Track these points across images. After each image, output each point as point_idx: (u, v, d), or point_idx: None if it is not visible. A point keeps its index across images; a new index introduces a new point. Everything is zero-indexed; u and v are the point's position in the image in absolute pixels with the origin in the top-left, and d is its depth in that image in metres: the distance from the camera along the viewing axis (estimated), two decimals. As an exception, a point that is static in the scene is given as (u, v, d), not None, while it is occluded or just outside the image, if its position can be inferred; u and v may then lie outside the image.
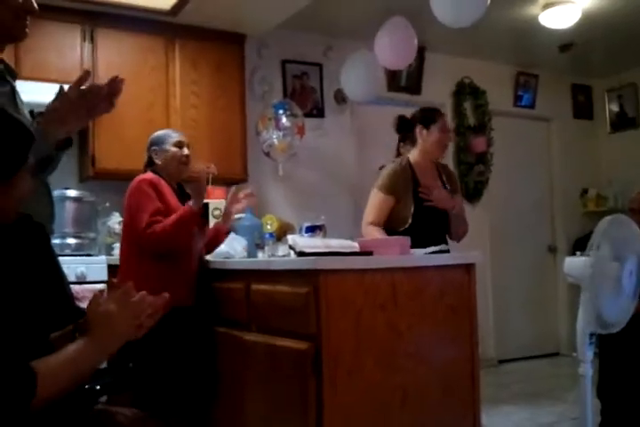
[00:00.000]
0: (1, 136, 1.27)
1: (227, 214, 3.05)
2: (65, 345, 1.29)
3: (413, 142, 3.23)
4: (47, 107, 1.82)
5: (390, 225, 3.09)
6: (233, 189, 3.12)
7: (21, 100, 2.02)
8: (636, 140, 6.05)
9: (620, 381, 3.30)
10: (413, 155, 3.20)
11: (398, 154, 3.88)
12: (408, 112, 5.18)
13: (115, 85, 1.89)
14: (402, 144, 3.83)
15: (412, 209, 3.05)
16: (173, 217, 2.63)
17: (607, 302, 2.37)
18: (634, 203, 3.69)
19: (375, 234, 3.02)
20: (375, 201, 3.13)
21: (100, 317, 1.28)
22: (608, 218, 2.41)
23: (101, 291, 1.36)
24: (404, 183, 3.09)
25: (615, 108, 6.28)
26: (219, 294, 2.78)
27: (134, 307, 1.31)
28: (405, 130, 3.28)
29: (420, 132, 3.16)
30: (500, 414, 3.54)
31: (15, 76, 2.04)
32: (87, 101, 1.82)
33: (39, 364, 1.20)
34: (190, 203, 2.68)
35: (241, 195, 3.06)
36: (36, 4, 1.97)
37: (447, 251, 3.03)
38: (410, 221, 3.04)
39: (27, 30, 1.96)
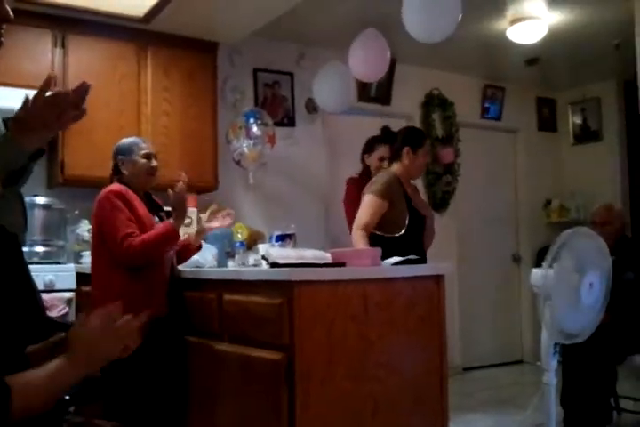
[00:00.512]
0: None
1: (201, 232, 3.01)
2: (43, 361, 1.29)
3: (397, 157, 3.43)
4: (14, 116, 1.80)
5: (385, 230, 3.28)
6: (213, 207, 3.08)
7: None
8: (598, 152, 6.21)
9: (583, 389, 3.38)
10: (398, 170, 3.40)
11: (363, 164, 3.96)
12: (378, 123, 5.30)
13: (82, 91, 1.87)
14: (366, 155, 3.92)
15: (408, 219, 3.28)
16: (154, 233, 2.63)
17: (565, 313, 2.43)
18: (595, 216, 3.80)
19: (360, 243, 3.20)
20: (369, 205, 3.29)
21: (83, 339, 1.28)
22: (569, 231, 2.48)
23: (86, 313, 1.35)
24: (397, 192, 3.31)
25: (578, 120, 6.43)
26: (191, 304, 2.78)
27: (118, 330, 1.31)
28: (388, 142, 3.48)
29: (407, 153, 3.38)
30: (465, 421, 3.60)
31: None
32: (54, 108, 1.79)
33: (15, 379, 1.19)
34: (171, 220, 2.68)
35: (221, 214, 3.04)
36: (11, 13, 1.95)
37: (418, 260, 3.09)
38: (404, 229, 3.26)
39: (1, 39, 1.94)
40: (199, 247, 3.00)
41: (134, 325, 1.34)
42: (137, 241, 2.58)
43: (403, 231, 3.26)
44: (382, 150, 3.90)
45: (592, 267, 2.43)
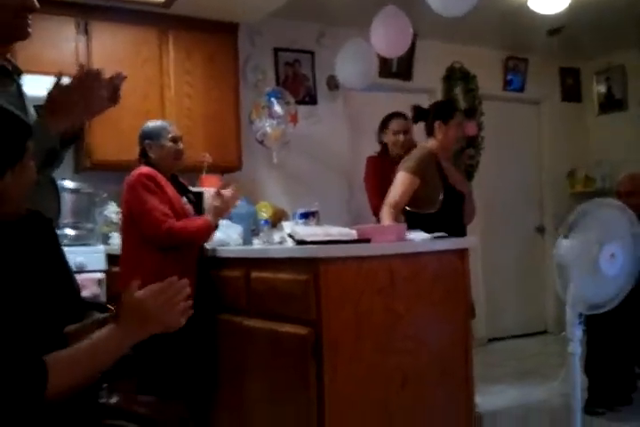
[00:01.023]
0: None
1: (222, 213, 2.88)
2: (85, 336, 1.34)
3: (430, 133, 3.41)
4: (46, 97, 1.83)
5: (419, 207, 3.28)
6: (219, 188, 2.93)
7: (27, 97, 2.05)
8: (623, 121, 6.13)
9: (608, 358, 3.41)
10: (433, 146, 3.38)
11: (380, 141, 3.97)
12: (399, 98, 5.30)
13: (117, 80, 1.92)
14: (382, 134, 3.93)
15: (442, 195, 3.25)
16: (195, 224, 2.72)
17: (585, 283, 2.43)
18: (620, 186, 3.78)
19: (386, 220, 3.22)
20: (400, 182, 3.28)
21: (137, 304, 1.30)
22: (588, 202, 2.49)
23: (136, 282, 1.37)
24: (431, 168, 3.28)
25: (603, 90, 6.34)
26: (219, 282, 2.85)
27: (171, 294, 1.33)
28: (421, 119, 3.45)
29: (438, 127, 3.35)
30: (491, 392, 3.65)
31: (20, 74, 2.07)
32: (86, 89, 1.83)
33: (54, 356, 1.22)
34: (209, 217, 2.78)
35: (229, 192, 2.93)
36: (36, 2, 2.00)
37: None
38: (439, 205, 3.24)
39: (29, 29, 1.99)
40: (216, 227, 2.94)
41: (186, 293, 1.36)
42: (178, 225, 2.66)
43: (437, 208, 3.25)
44: (395, 124, 3.90)
45: (613, 237, 2.42)
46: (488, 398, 3.48)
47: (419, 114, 3.50)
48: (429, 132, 3.42)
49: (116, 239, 3.71)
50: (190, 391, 2.76)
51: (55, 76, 1.79)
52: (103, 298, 3.43)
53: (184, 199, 2.91)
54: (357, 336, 2.23)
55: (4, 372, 1.16)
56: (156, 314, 1.32)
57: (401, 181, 3.28)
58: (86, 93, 1.82)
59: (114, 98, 1.93)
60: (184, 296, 1.36)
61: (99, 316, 1.57)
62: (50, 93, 1.81)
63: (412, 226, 3.22)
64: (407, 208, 3.32)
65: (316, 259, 2.19)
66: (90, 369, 1.27)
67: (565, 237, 2.45)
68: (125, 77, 1.87)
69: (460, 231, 3.27)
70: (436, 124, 3.36)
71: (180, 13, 4.10)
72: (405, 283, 2.36)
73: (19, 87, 2.01)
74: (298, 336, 2.23)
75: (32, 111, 2.05)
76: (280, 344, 2.36)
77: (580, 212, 2.46)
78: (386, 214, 3.25)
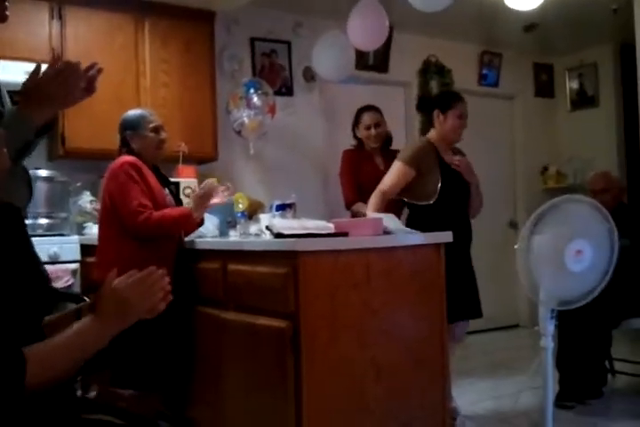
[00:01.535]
0: None
1: (203, 207, 2.87)
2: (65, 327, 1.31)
3: (431, 124, 3.41)
4: (21, 88, 1.80)
5: (416, 198, 3.28)
6: (210, 181, 2.94)
7: (1, 84, 2.01)
8: (594, 118, 6.22)
9: (579, 352, 3.47)
10: (432, 136, 3.37)
11: (354, 135, 3.97)
12: (375, 91, 5.29)
13: (92, 70, 1.89)
14: (356, 128, 3.93)
15: (439, 184, 3.22)
16: (173, 213, 2.70)
17: (551, 278, 2.47)
18: (592, 184, 3.83)
19: (372, 207, 3.26)
20: (394, 172, 3.29)
21: (114, 295, 1.29)
22: (556, 198, 2.51)
23: (112, 276, 1.36)
24: (428, 159, 3.27)
25: (575, 86, 6.42)
26: (196, 274, 2.84)
27: (151, 285, 1.32)
28: (424, 109, 3.43)
29: (437, 116, 3.34)
30: (464, 385, 3.69)
31: None
32: (63, 81, 1.80)
33: (34, 348, 1.20)
34: (190, 206, 2.77)
35: (222, 188, 2.97)
36: None
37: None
38: (436, 196, 3.22)
39: (7, 13, 1.94)
40: (202, 222, 2.98)
41: (165, 281, 1.35)
42: (155, 216, 2.63)
43: (434, 199, 3.23)
44: (366, 118, 3.89)
45: (580, 234, 2.43)
46: (460, 391, 3.52)
47: (421, 104, 3.48)
48: (431, 123, 3.42)
49: (90, 229, 3.67)
50: (167, 384, 2.74)
51: (35, 66, 1.75)
52: (77, 289, 3.40)
53: (166, 191, 2.88)
54: (334, 329, 2.24)
55: None
56: (136, 304, 1.31)
57: (395, 171, 3.29)
58: (64, 85, 1.78)
59: (90, 88, 1.90)
60: (164, 284, 1.35)
61: (76, 306, 1.54)
62: (25, 84, 1.78)
63: (413, 217, 3.31)
64: (406, 199, 3.34)
65: (294, 252, 2.19)
66: (69, 361, 1.25)
67: (530, 232, 2.48)
68: (101, 69, 1.84)
69: (460, 223, 3.26)
70: (435, 113, 3.35)
71: (156, 0, 4.04)
72: (381, 277, 2.38)
73: None
74: (276, 329, 2.24)
75: (7, 100, 2.01)
76: (258, 337, 2.36)
77: (546, 208, 2.49)
78: (373, 201, 3.28)
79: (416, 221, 3.20)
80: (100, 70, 1.84)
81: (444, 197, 3.23)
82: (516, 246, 2.51)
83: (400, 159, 3.30)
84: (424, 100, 3.49)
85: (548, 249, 2.45)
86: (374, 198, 3.29)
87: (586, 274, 2.46)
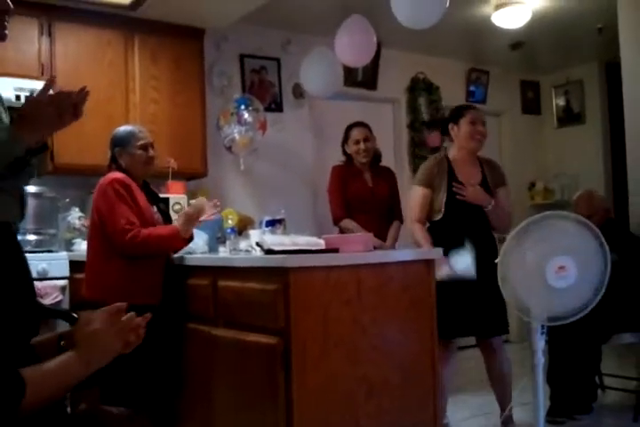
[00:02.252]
0: None
1: (192, 224, 2.82)
2: (49, 352, 1.33)
3: (451, 139, 3.34)
4: (18, 113, 1.84)
5: (430, 215, 3.23)
6: (202, 199, 2.92)
7: (1, 104, 2.03)
8: (581, 134, 6.29)
9: (569, 368, 3.47)
10: (452, 151, 3.31)
11: (344, 152, 3.98)
12: (364, 107, 5.33)
13: (82, 95, 1.93)
14: (345, 145, 3.94)
15: (445, 199, 3.15)
16: (160, 232, 2.68)
17: (531, 294, 2.46)
18: (578, 208, 3.80)
19: (418, 235, 3.19)
20: (416, 196, 3.26)
21: (88, 335, 1.32)
22: (538, 215, 2.50)
23: (91, 311, 1.39)
24: (439, 175, 3.20)
25: (562, 103, 6.50)
26: (186, 290, 2.82)
27: (122, 326, 1.35)
28: (445, 131, 3.37)
29: (451, 129, 3.28)
30: (455, 400, 3.67)
31: None
32: (57, 107, 1.84)
33: (27, 372, 1.22)
34: (178, 224, 2.74)
35: (211, 204, 2.92)
36: (10, 3, 1.96)
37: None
38: (443, 210, 3.16)
39: (6, 31, 1.96)
40: (191, 238, 2.91)
41: (137, 322, 1.38)
42: (143, 234, 2.62)
43: (441, 215, 3.17)
44: (355, 133, 3.89)
45: (563, 250, 2.42)
46: (451, 406, 3.50)
47: (443, 126, 3.42)
48: (451, 138, 3.35)
49: (78, 245, 3.65)
50: (156, 401, 2.71)
51: (46, 83, 1.80)
52: (66, 305, 3.37)
53: (154, 208, 2.87)
54: (325, 346, 2.23)
55: None
56: (111, 344, 1.34)
57: (415, 196, 3.26)
58: (58, 111, 1.83)
59: (76, 113, 1.94)
60: (136, 322, 1.39)
61: (57, 333, 1.54)
62: (22, 109, 1.82)
63: (430, 232, 3.24)
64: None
65: (285, 268, 2.18)
66: (56, 388, 1.28)
67: (510, 247, 2.48)
68: (88, 93, 1.88)
69: (475, 239, 3.09)
70: (450, 126, 3.29)
71: (146, 17, 4.07)
72: (372, 293, 2.37)
73: None
74: (266, 345, 2.22)
75: (4, 117, 2.03)
76: (248, 353, 2.35)
77: (526, 224, 2.49)
78: (416, 230, 3.22)
79: (432, 237, 3.19)
80: (86, 93, 1.87)
81: (451, 213, 3.17)
82: (496, 261, 2.51)
83: (415, 183, 3.28)
84: (442, 122, 3.42)
85: (529, 265, 2.46)
86: (416, 228, 3.22)
87: (573, 290, 2.44)
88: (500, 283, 2.49)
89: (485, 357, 3.28)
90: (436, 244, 3.10)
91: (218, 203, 3.00)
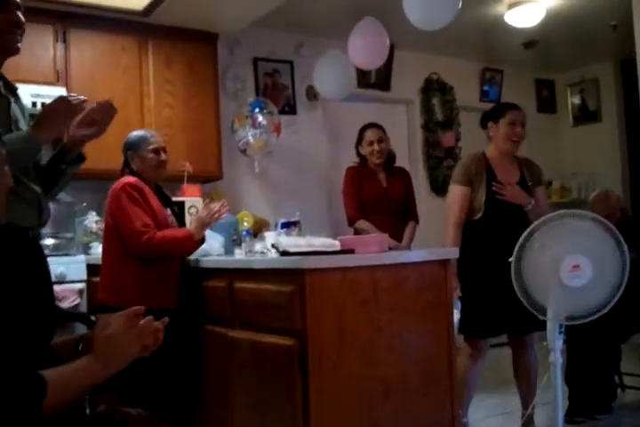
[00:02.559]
0: None
1: (205, 226, 2.86)
2: (68, 354, 1.34)
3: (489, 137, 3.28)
4: (42, 109, 2.07)
5: (469, 214, 3.15)
6: (207, 201, 2.98)
7: (21, 113, 2.09)
8: (597, 132, 6.25)
9: (588, 367, 3.45)
10: (489, 149, 3.25)
11: (358, 153, 3.97)
12: (378, 109, 5.34)
13: (105, 107, 2.07)
14: (360, 146, 3.93)
15: (484, 198, 3.09)
16: (174, 235, 2.71)
17: (548, 293, 2.45)
18: (595, 209, 3.76)
19: (449, 237, 3.13)
20: (455, 196, 3.17)
21: (106, 339, 1.33)
22: (551, 214, 2.50)
23: (108, 315, 1.41)
24: (476, 173, 3.14)
25: (577, 101, 6.46)
26: (202, 292, 2.83)
27: (140, 329, 1.36)
28: (484, 125, 3.30)
29: (490, 127, 3.23)
30: (473, 401, 3.64)
31: (15, 90, 2.10)
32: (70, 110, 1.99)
33: (47, 373, 1.23)
34: (192, 228, 2.77)
35: (217, 206, 2.91)
36: (21, 17, 2.00)
37: None
38: (483, 209, 3.09)
39: (19, 45, 2.01)
40: (202, 241, 2.92)
41: (155, 326, 1.39)
42: (158, 236, 2.64)
43: (480, 214, 3.10)
44: (369, 134, 3.87)
45: (577, 249, 2.40)
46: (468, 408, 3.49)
47: (483, 120, 3.37)
48: (488, 135, 3.29)
49: (96, 249, 3.67)
50: (174, 403, 2.73)
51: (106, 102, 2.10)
52: (84, 308, 3.40)
53: (168, 211, 2.89)
54: (341, 347, 2.23)
55: (2, 386, 1.16)
56: (129, 349, 1.35)
57: (454, 195, 3.17)
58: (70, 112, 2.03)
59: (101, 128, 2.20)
60: (154, 326, 1.40)
61: (78, 335, 1.56)
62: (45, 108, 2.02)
63: (465, 232, 3.16)
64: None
65: (301, 270, 2.19)
66: (75, 390, 1.29)
67: (522, 246, 2.47)
68: (116, 109, 2.09)
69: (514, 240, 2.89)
70: (489, 124, 3.24)
71: (159, 22, 4.10)
72: (388, 294, 2.36)
73: (8, 103, 2.04)
74: (283, 347, 2.23)
75: (22, 124, 2.08)
76: (265, 355, 2.35)
77: (541, 223, 2.48)
78: (450, 233, 3.14)
79: (466, 237, 3.13)
80: (115, 110, 2.03)
81: (491, 213, 3.10)
82: (510, 260, 2.50)
83: (453, 182, 3.21)
84: (483, 116, 3.35)
85: (544, 263, 2.44)
86: (451, 231, 3.14)
87: (589, 289, 2.42)
88: (513, 280, 2.48)
89: (516, 353, 3.24)
90: (475, 243, 3.09)
91: (225, 203, 3.00)
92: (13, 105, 2.05)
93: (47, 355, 1.43)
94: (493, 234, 3.06)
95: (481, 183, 3.12)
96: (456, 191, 3.17)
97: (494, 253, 2.93)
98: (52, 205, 3.65)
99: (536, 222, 2.48)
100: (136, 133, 2.94)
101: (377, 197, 3.85)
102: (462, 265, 3.06)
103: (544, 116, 6.52)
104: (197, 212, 3.75)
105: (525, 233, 2.48)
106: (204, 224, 2.81)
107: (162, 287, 2.73)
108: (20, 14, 1.97)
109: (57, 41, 3.82)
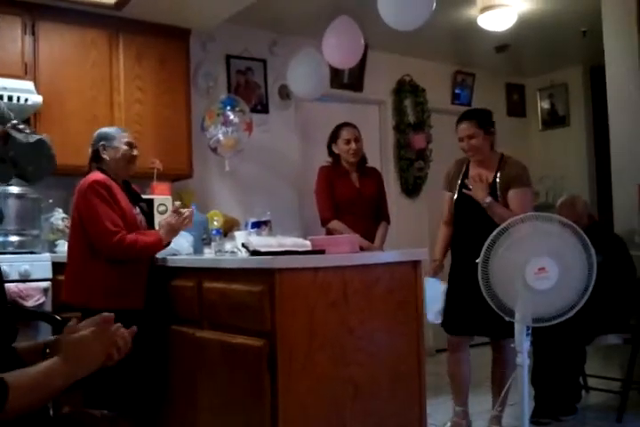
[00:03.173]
0: None
1: (175, 232, 2.84)
2: (36, 361, 1.30)
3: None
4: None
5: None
6: (177, 204, 2.94)
7: None
8: (565, 137, 6.33)
9: (554, 369, 3.49)
10: None
11: (330, 152, 3.96)
12: (350, 109, 5.33)
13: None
14: (333, 145, 3.92)
15: (455, 197, 3.29)
16: (146, 240, 2.67)
17: (510, 295, 2.47)
18: (560, 215, 3.79)
19: (439, 235, 3.46)
20: (442, 200, 3.45)
21: (76, 343, 1.30)
22: (517, 217, 2.52)
23: (77, 318, 1.39)
24: (453, 177, 3.38)
25: (547, 106, 6.54)
26: (170, 292, 2.80)
27: (108, 336, 1.33)
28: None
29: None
30: (440, 402, 3.67)
31: None
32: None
33: (10, 376, 1.20)
34: (162, 232, 2.75)
35: (187, 212, 2.88)
36: None
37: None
38: (453, 212, 3.32)
39: None
40: (169, 243, 2.89)
41: (125, 334, 1.37)
42: (129, 239, 2.60)
43: (454, 216, 3.33)
44: (345, 133, 3.86)
45: (543, 252, 2.42)
46: (436, 408, 3.51)
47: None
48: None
49: (62, 247, 3.60)
50: (140, 404, 2.69)
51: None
52: (49, 307, 3.33)
53: (137, 209, 2.84)
54: (311, 348, 2.22)
55: None
56: (94, 355, 1.32)
57: (443, 199, 3.44)
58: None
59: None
60: (122, 334, 1.37)
61: (43, 340, 1.52)
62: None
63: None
64: None
65: (271, 270, 2.17)
66: (39, 394, 1.26)
67: (489, 248, 2.48)
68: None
69: (477, 240, 2.70)
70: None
71: (131, 16, 4.03)
72: (358, 294, 2.36)
73: None
74: (252, 348, 2.21)
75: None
76: (234, 355, 2.33)
77: (506, 227, 2.49)
78: (440, 232, 3.46)
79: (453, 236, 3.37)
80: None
81: (458, 215, 3.30)
82: (477, 260, 2.51)
83: (441, 188, 3.47)
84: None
85: (509, 266, 2.46)
86: (440, 230, 3.46)
87: (555, 292, 2.44)
88: (480, 282, 2.49)
89: (494, 355, 3.38)
90: (452, 243, 3.35)
91: (192, 211, 2.95)
92: None
93: (9, 356, 1.39)
94: (463, 234, 3.21)
95: (455, 185, 3.31)
96: (443, 196, 3.43)
97: (464, 253, 3.06)
98: (17, 202, 3.63)
99: (503, 224, 2.50)
100: (109, 128, 2.94)
101: (350, 197, 3.84)
102: (452, 264, 3.34)
103: (514, 119, 6.58)
104: (167, 211, 3.73)
105: (492, 235, 2.49)
106: (174, 230, 2.79)
107: (129, 288, 2.68)
108: None
109: (25, 33, 3.73)
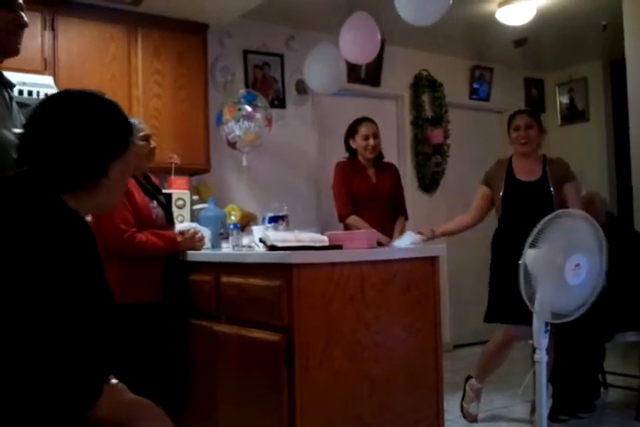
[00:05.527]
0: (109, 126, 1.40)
1: (191, 248, 2.89)
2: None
3: None
4: None
5: (497, 213, 3.54)
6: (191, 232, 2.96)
7: (17, 109, 2.05)
8: (585, 132, 6.27)
9: (572, 366, 3.46)
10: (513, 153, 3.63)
11: (347, 147, 3.96)
12: (367, 104, 5.32)
13: None
14: (351, 140, 3.92)
15: (502, 193, 3.42)
16: (158, 242, 2.69)
17: (549, 292, 2.46)
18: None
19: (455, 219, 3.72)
20: (477, 193, 3.66)
21: None
22: (555, 212, 2.51)
23: None
24: (498, 174, 3.52)
25: (566, 101, 6.48)
26: (188, 286, 2.81)
27: None
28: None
29: (508, 135, 3.62)
30: (456, 398, 3.67)
31: (12, 87, 2.07)
32: None
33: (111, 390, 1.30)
34: (179, 238, 2.80)
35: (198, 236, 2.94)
36: (26, 18, 1.97)
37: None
38: (501, 208, 3.46)
39: (19, 46, 1.97)
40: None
41: None
42: (140, 238, 2.62)
43: (500, 213, 3.49)
44: (364, 128, 3.86)
45: (579, 248, 2.43)
46: (453, 404, 3.50)
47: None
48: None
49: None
50: (160, 397, 2.70)
51: None
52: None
53: (154, 203, 2.85)
54: (328, 343, 2.22)
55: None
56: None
57: (478, 190, 3.65)
58: None
59: None
60: None
61: None
62: None
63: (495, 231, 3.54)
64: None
65: (288, 265, 2.18)
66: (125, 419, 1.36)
67: (532, 246, 2.47)
68: None
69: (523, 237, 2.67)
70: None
71: (149, 12, 4.03)
72: (375, 290, 2.36)
73: (7, 99, 2.01)
74: (269, 342, 2.21)
75: (20, 121, 2.04)
76: (251, 350, 2.34)
77: (546, 222, 2.48)
78: (457, 217, 3.75)
79: (495, 235, 3.52)
80: None
81: (506, 211, 3.43)
82: (519, 262, 2.49)
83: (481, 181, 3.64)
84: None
85: (545, 263, 2.44)
86: (459, 217, 3.72)
87: (581, 287, 2.46)
88: (521, 281, 2.47)
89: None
90: (497, 239, 3.49)
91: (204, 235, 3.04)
92: (13, 102, 2.03)
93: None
94: (510, 231, 3.29)
95: (499, 185, 3.45)
96: (478, 189, 3.66)
97: (509, 250, 3.05)
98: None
99: (540, 222, 2.47)
100: None
101: (367, 192, 3.84)
102: (492, 257, 3.49)
103: (532, 114, 6.52)
104: (185, 205, 3.75)
105: (533, 233, 2.47)
106: (192, 247, 2.85)
107: (145, 281, 2.69)
108: (24, 15, 1.94)
109: (45, 29, 3.75)
